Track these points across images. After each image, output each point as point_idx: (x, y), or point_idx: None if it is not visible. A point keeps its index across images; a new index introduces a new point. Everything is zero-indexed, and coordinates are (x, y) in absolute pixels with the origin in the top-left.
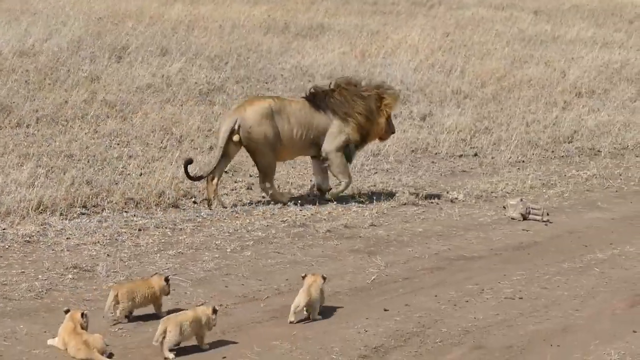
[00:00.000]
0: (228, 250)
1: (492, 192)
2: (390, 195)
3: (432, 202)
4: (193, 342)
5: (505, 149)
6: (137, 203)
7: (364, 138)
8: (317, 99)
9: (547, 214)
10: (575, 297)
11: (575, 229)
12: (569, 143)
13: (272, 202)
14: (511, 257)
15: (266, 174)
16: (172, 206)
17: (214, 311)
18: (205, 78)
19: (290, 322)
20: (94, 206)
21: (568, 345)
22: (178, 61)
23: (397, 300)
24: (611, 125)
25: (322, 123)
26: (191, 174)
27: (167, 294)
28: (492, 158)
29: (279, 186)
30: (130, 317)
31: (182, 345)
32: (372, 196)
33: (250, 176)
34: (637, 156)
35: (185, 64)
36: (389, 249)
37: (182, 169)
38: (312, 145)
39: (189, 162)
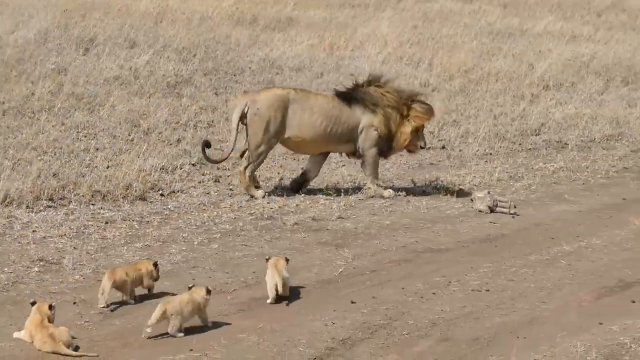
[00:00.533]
0: (195, 243)
1: (459, 185)
2: (358, 188)
3: (399, 195)
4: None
5: (473, 141)
6: (104, 196)
7: (390, 139)
8: (347, 93)
9: (514, 207)
10: (542, 289)
11: (542, 222)
12: (536, 136)
13: (241, 194)
14: (478, 250)
15: (252, 160)
16: (140, 199)
17: (208, 292)
18: (173, 70)
19: (271, 303)
20: (60, 199)
21: (534, 337)
22: (146, 53)
23: (364, 292)
24: (578, 118)
25: (351, 117)
26: (209, 157)
27: (156, 279)
28: (460, 151)
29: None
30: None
31: (152, 334)
32: (340, 189)
33: (218, 169)
34: (604, 149)
35: (153, 56)
36: (356, 241)
37: (200, 150)
38: (342, 140)
39: (206, 144)
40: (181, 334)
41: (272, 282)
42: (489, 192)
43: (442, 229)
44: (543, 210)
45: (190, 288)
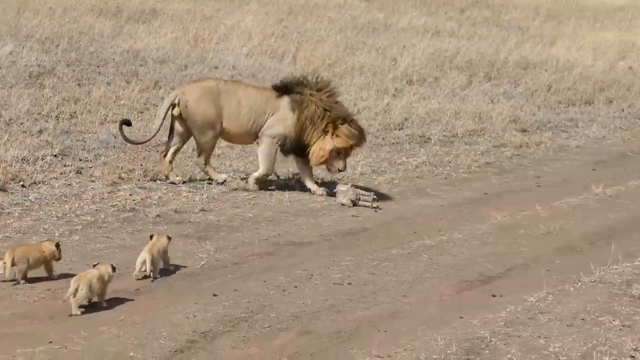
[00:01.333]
0: (56, 234)
1: (322, 178)
2: (210, 179)
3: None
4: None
5: None
6: None
7: (299, 143)
8: (283, 86)
9: (377, 200)
10: (403, 283)
11: (404, 216)
12: (399, 130)
13: (103, 186)
14: (340, 243)
15: (202, 151)
16: (0, 190)
17: (113, 269)
18: (36, 61)
19: (136, 278)
20: None
21: (395, 331)
22: (8, 44)
23: (226, 285)
24: (441, 113)
25: (274, 110)
26: (128, 137)
27: (58, 259)
28: None
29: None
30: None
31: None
32: (203, 181)
33: (80, 160)
34: (466, 144)
35: (16, 47)
36: (219, 234)
37: (118, 129)
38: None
39: (125, 122)
40: (81, 310)
41: (141, 258)
42: (351, 186)
43: (304, 222)
44: (405, 204)
45: (95, 266)
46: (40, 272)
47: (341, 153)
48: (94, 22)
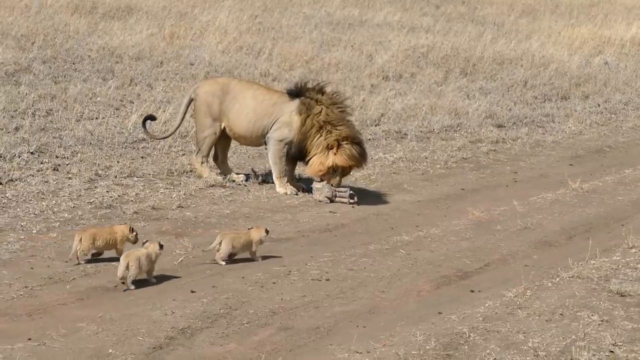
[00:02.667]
0: (34, 231)
1: (299, 174)
2: (199, 176)
3: (239, 184)
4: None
5: None
6: None
7: (301, 149)
8: (297, 93)
9: (354, 197)
10: (382, 278)
11: (381, 211)
12: (376, 126)
13: (80, 183)
14: (318, 239)
15: (200, 147)
16: None
17: (160, 247)
18: (12, 58)
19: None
20: None
21: (374, 327)
22: None
23: (204, 282)
24: (418, 108)
25: (281, 113)
26: (149, 132)
27: (134, 242)
28: None
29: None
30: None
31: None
32: (180, 178)
33: (57, 157)
34: (442, 139)
35: None
36: (196, 230)
37: (142, 124)
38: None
39: (150, 117)
40: (133, 287)
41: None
42: (327, 183)
43: (282, 218)
44: (382, 200)
45: (144, 244)
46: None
47: (338, 170)
48: (70, 19)
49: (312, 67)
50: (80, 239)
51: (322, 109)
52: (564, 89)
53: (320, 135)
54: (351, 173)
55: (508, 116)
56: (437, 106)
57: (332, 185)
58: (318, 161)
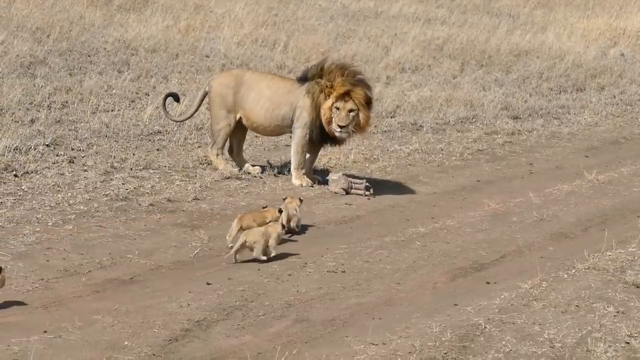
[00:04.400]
0: (49, 224)
1: (316, 166)
2: (214, 168)
3: (255, 177)
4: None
5: None
6: None
7: (320, 126)
8: (305, 78)
9: (370, 188)
10: (397, 270)
11: (397, 203)
12: (391, 118)
13: (96, 175)
14: (334, 231)
15: (215, 140)
16: None
17: (283, 227)
18: (28, 51)
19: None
20: None
21: (390, 318)
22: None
23: (220, 274)
24: (433, 100)
25: (296, 100)
26: (168, 111)
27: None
28: None
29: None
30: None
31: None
32: (196, 170)
33: (72, 150)
34: (458, 131)
35: (7, 37)
36: (212, 222)
37: (162, 101)
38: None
39: (172, 95)
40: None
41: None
42: (343, 174)
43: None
44: (398, 192)
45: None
46: None
47: (338, 103)
48: (85, 12)
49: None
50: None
51: (324, 79)
52: (580, 80)
53: (327, 99)
54: (360, 112)
55: (524, 108)
56: (452, 98)
57: (338, 125)
58: (324, 111)
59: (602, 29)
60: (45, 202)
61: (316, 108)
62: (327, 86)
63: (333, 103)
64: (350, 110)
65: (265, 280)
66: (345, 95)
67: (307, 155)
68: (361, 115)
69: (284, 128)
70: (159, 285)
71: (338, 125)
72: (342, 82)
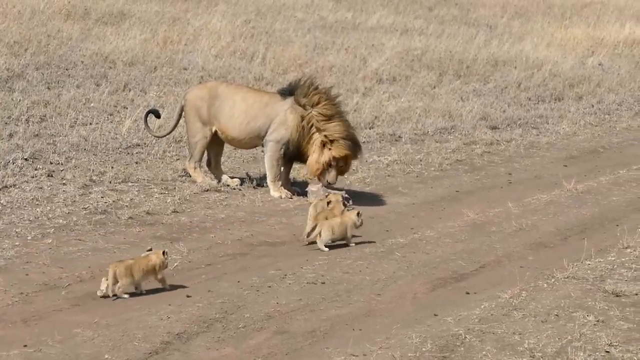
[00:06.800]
0: (29, 237)
1: (294, 178)
2: (193, 181)
3: (234, 189)
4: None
5: None
6: None
7: (299, 148)
8: (289, 92)
9: (349, 200)
10: (377, 281)
11: (376, 214)
12: (370, 129)
13: (75, 189)
14: (313, 243)
15: (192, 153)
16: None
17: (358, 214)
18: (5, 65)
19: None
20: None
21: (370, 329)
22: None
23: (200, 286)
24: (412, 111)
25: (275, 114)
26: (150, 128)
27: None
28: None
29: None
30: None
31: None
32: (175, 183)
33: (51, 163)
34: (437, 142)
35: None
36: (191, 235)
37: (144, 117)
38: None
39: (153, 112)
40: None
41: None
42: (322, 186)
43: (277, 222)
44: (377, 203)
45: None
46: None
47: (333, 164)
48: (63, 25)
49: (305, 70)
50: None
51: (316, 101)
52: (558, 90)
53: (316, 131)
54: (347, 168)
55: (502, 118)
56: (431, 108)
57: (328, 181)
58: (314, 161)
59: (580, 39)
60: (24, 216)
61: (300, 131)
62: (325, 137)
63: (329, 161)
64: (342, 171)
65: (245, 293)
66: (342, 159)
67: (282, 168)
68: (345, 169)
69: (259, 140)
70: (139, 298)
71: (327, 181)
72: (342, 146)
